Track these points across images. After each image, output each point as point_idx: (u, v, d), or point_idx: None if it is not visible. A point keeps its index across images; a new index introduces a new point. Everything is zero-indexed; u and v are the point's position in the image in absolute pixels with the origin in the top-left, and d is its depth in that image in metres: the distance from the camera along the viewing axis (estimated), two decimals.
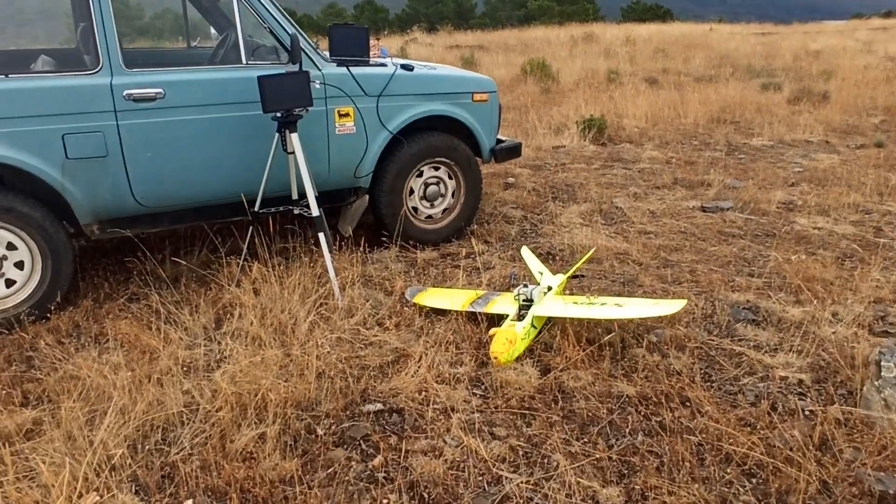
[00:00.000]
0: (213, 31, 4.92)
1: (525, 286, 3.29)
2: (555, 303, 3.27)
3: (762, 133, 8.07)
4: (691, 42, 20.30)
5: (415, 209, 4.44)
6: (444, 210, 4.56)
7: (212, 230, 4.23)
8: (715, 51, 17.64)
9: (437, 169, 4.44)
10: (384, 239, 4.38)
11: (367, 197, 4.28)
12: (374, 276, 3.99)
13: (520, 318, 3.20)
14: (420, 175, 4.39)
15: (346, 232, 4.29)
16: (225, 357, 3.07)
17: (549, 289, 3.39)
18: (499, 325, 3.19)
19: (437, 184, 4.47)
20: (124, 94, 3.37)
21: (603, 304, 3.20)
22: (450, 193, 4.54)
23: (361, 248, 4.23)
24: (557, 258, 4.34)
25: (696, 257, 4.34)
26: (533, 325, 3.18)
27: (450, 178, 4.51)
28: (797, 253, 4.34)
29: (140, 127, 3.44)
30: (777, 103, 10.11)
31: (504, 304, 3.35)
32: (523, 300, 3.27)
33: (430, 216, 4.52)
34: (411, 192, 4.39)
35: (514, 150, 4.82)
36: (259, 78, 3.36)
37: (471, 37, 26.15)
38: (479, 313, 3.36)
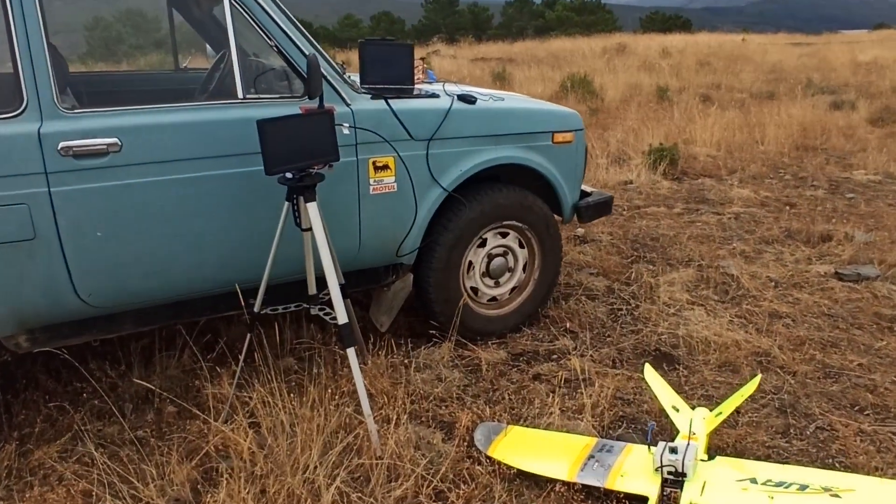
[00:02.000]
0: (208, 48, 3.78)
1: (673, 450, 2.10)
2: (722, 479, 2.08)
3: (864, 165, 6.82)
4: (731, 54, 19.02)
5: (474, 289, 3.25)
6: (513, 289, 3.36)
7: (192, 334, 3.03)
8: (761, 63, 16.35)
9: (504, 236, 3.25)
10: (433, 331, 3.20)
11: (410, 277, 3.10)
12: (424, 393, 2.81)
13: (666, 500, 2.03)
14: (482, 244, 3.20)
15: (383, 326, 3.11)
16: None
17: (709, 458, 2.20)
18: None
19: (505, 255, 3.28)
20: (60, 147, 2.22)
21: (803, 488, 2.00)
22: (520, 267, 3.34)
23: (403, 343, 3.08)
24: (676, 362, 3.13)
25: (862, 359, 3.13)
26: None
27: (521, 246, 3.32)
28: None
29: (84, 195, 2.29)
30: (858, 125, 8.86)
31: (637, 472, 2.16)
32: (669, 472, 2.08)
33: (493, 298, 3.33)
34: (470, 266, 3.20)
35: (603, 207, 3.60)
36: (259, 123, 2.20)
37: (494, 48, 24.99)
38: (600, 489, 2.17)
